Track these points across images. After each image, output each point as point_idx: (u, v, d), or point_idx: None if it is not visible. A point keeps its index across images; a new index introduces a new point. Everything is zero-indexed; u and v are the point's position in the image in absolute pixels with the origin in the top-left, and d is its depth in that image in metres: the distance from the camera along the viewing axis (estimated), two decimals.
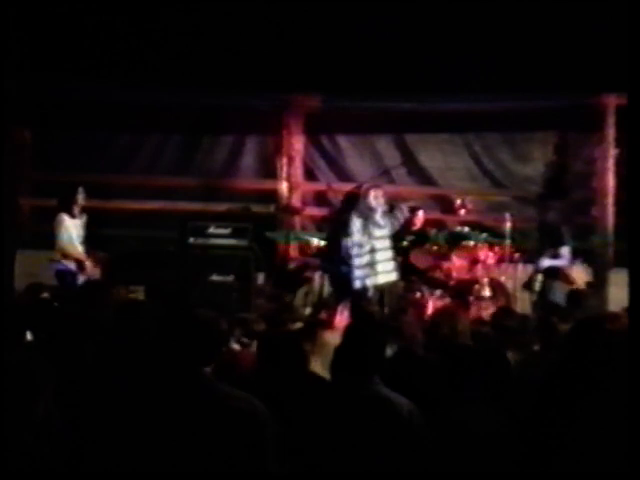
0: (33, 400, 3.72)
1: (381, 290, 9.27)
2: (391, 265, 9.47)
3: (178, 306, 6.59)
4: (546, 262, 10.07)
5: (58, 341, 4.94)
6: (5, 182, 10.01)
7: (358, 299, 9.07)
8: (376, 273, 9.34)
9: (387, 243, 9.44)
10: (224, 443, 3.47)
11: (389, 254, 9.46)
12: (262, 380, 4.57)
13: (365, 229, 9.31)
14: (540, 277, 10.06)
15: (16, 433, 3.72)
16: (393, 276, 9.48)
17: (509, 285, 10.66)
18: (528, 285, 10.24)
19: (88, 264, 10.09)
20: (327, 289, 10.18)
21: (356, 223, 9.36)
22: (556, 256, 10.11)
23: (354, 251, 9.35)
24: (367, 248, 9.35)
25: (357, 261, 9.40)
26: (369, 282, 9.32)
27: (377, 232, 9.39)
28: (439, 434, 4.13)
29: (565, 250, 10.12)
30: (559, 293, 9.84)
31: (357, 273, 9.40)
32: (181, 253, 10.89)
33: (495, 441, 4.10)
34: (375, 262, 9.33)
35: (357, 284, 9.37)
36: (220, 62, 10.67)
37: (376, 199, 9.33)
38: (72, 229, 10.10)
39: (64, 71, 10.70)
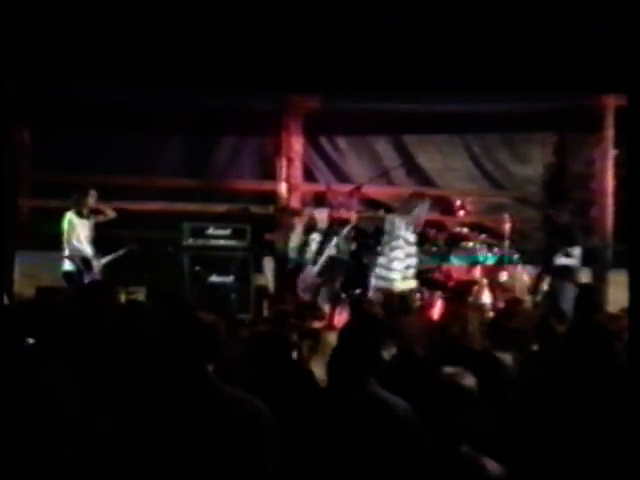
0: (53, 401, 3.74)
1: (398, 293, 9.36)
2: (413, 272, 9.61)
3: (178, 308, 6.58)
4: (562, 260, 10.05)
5: (61, 342, 4.95)
6: (5, 182, 10.05)
7: (358, 300, 9.10)
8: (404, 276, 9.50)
9: (415, 250, 9.56)
10: (227, 445, 3.47)
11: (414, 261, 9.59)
12: (257, 379, 4.57)
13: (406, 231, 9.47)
14: (548, 277, 10.05)
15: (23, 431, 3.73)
16: (413, 283, 9.60)
17: (509, 286, 10.67)
18: (533, 288, 10.22)
19: (95, 264, 10.18)
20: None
21: (395, 222, 9.51)
22: (568, 255, 10.10)
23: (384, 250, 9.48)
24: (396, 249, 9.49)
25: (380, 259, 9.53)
26: (386, 283, 9.42)
27: (412, 238, 9.52)
28: (437, 435, 4.13)
29: (577, 250, 10.12)
30: (569, 293, 9.84)
31: (376, 271, 9.51)
32: (180, 254, 10.92)
33: (495, 441, 4.10)
34: (408, 266, 9.48)
35: (372, 281, 9.45)
36: (219, 63, 10.67)
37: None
38: (80, 229, 10.19)
39: (64, 71, 10.69)
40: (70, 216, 10.22)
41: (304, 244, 10.11)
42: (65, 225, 10.21)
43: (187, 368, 3.58)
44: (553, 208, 10.43)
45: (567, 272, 10.04)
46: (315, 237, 10.25)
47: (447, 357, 4.96)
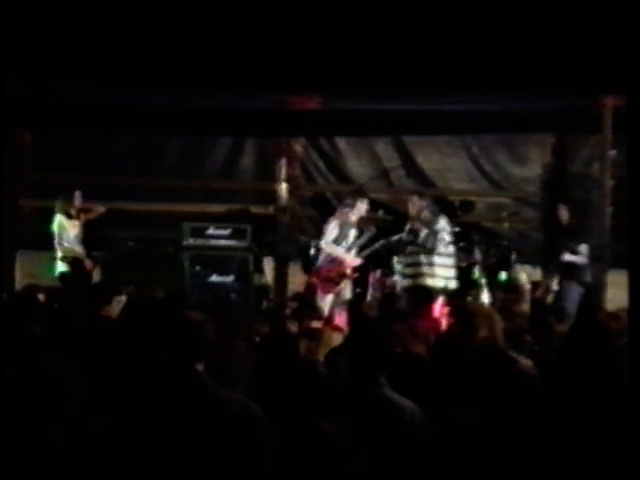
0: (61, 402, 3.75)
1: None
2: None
3: (165, 307, 6.62)
4: (569, 257, 10.08)
5: (54, 341, 4.98)
6: (6, 183, 10.10)
7: (357, 301, 9.20)
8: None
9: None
10: (221, 448, 3.48)
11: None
12: (264, 379, 4.59)
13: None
14: (557, 276, 10.08)
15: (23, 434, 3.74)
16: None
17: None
18: (544, 288, 10.24)
19: (87, 264, 10.23)
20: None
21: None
22: (575, 253, 10.13)
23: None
24: None
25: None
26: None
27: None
28: (441, 435, 4.15)
29: (584, 248, 10.15)
30: (574, 293, 9.87)
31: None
32: (180, 254, 10.96)
33: (496, 442, 4.12)
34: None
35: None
36: (220, 64, 10.70)
37: None
38: (70, 229, 10.24)
39: (65, 72, 10.72)
40: (59, 218, 10.30)
41: (342, 237, 10.20)
42: (55, 227, 10.29)
43: (176, 367, 3.60)
44: (560, 204, 10.46)
45: (574, 271, 10.06)
46: (353, 232, 10.30)
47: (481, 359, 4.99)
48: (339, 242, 10.16)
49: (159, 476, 3.47)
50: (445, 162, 12.33)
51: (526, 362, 5.19)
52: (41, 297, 7.62)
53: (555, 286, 10.04)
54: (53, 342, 4.96)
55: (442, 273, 9.93)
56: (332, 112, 11.57)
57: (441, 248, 9.89)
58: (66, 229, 10.29)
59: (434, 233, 9.91)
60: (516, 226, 11.24)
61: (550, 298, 10.07)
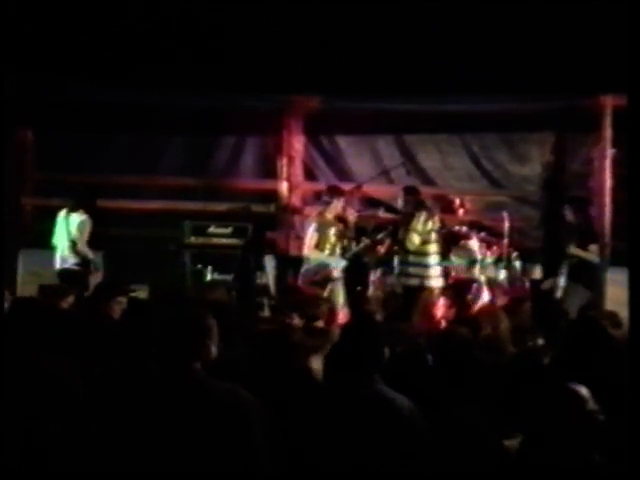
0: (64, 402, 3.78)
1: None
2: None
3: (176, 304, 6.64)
4: (572, 250, 10.04)
5: (58, 340, 5.00)
6: (8, 182, 10.12)
7: (358, 298, 9.18)
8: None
9: None
10: (221, 444, 3.51)
11: None
12: (260, 378, 4.61)
13: None
14: (564, 273, 10.07)
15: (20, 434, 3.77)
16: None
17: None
18: (551, 285, 10.25)
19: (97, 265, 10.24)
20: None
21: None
22: (584, 249, 10.11)
23: None
24: None
25: None
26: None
27: None
28: (440, 434, 4.16)
29: (594, 247, 10.12)
30: (577, 297, 9.84)
31: None
32: (182, 252, 11.00)
33: (495, 440, 4.14)
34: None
35: None
36: (221, 63, 10.73)
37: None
38: (88, 230, 10.22)
39: (66, 72, 10.75)
40: (85, 217, 10.22)
41: (323, 240, 10.15)
42: (82, 226, 10.19)
43: (173, 366, 3.62)
44: (567, 205, 10.44)
45: (583, 273, 9.99)
46: (332, 230, 10.20)
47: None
48: (321, 246, 10.04)
49: (160, 475, 3.49)
50: (445, 161, 12.35)
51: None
52: (71, 299, 7.54)
53: (562, 282, 10.01)
54: (53, 342, 4.97)
55: (416, 272, 9.85)
56: (332, 111, 11.60)
57: (410, 247, 9.82)
58: (87, 230, 10.23)
59: (406, 231, 9.88)
60: (516, 224, 11.23)
61: (559, 293, 10.05)
